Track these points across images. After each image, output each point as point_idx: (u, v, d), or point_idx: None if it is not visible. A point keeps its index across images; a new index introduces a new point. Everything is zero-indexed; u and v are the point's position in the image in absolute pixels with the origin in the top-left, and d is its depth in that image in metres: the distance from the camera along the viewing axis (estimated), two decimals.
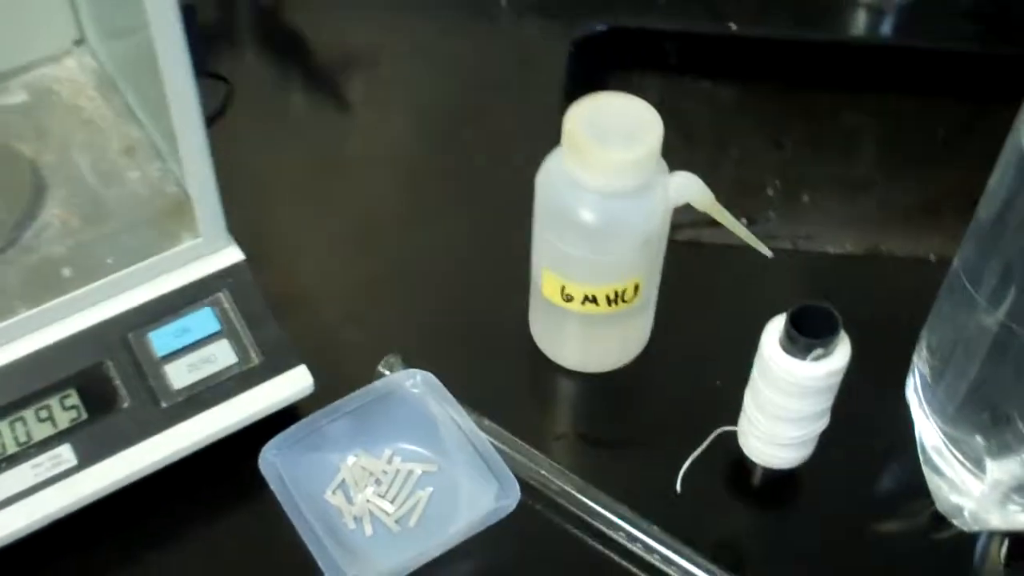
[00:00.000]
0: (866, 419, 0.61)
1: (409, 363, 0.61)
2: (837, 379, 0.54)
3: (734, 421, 0.60)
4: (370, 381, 0.61)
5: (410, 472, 0.59)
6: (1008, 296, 0.50)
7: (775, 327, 0.54)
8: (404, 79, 0.82)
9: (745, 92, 0.91)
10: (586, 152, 0.55)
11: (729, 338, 0.66)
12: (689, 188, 0.58)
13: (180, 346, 0.57)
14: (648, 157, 0.55)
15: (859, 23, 0.88)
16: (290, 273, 0.68)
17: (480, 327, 0.67)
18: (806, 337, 0.53)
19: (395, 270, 0.70)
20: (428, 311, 0.68)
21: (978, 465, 0.58)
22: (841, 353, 0.53)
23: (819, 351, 0.53)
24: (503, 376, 0.65)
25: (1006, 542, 0.58)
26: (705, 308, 0.68)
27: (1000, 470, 0.58)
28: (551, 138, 0.77)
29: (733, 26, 0.85)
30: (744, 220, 0.58)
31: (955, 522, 0.58)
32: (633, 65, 0.88)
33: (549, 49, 0.83)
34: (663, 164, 0.58)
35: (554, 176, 0.58)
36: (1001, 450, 0.57)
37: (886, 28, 0.88)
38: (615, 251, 0.58)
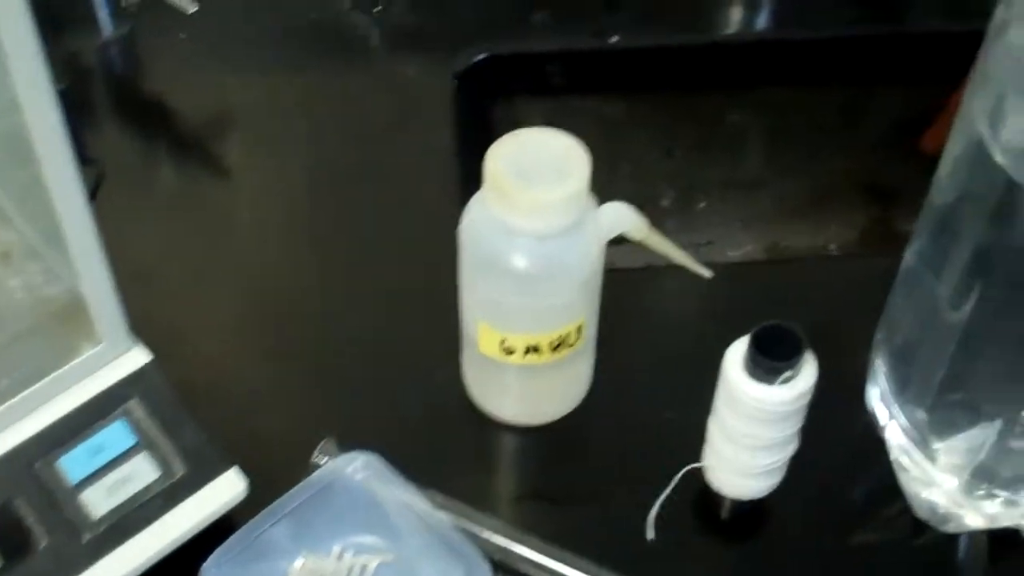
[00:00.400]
0: (829, 432, 0.58)
1: (344, 445, 0.56)
2: (807, 399, 0.51)
3: (693, 454, 0.57)
4: (305, 469, 0.56)
5: (364, 567, 0.54)
6: (976, 284, 0.48)
7: (737, 352, 0.51)
8: (282, 136, 0.77)
9: (632, 104, 0.88)
10: (514, 195, 0.51)
11: (668, 364, 0.63)
12: (621, 219, 0.54)
13: (95, 468, 0.51)
14: (579, 192, 0.52)
15: (735, 19, 0.86)
16: (197, 364, 0.62)
17: (410, 391, 0.62)
18: (772, 360, 0.50)
19: (308, 343, 0.65)
20: (351, 382, 0.63)
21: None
22: (809, 372, 0.51)
23: (788, 373, 0.50)
24: (444, 441, 0.60)
25: (987, 540, 0.56)
26: (636, 336, 0.65)
27: (950, 453, 0.56)
28: (450, 178, 0.74)
29: (615, 39, 0.83)
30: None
31: (934, 525, 0.56)
32: (518, 90, 0.84)
33: (430, 85, 0.79)
34: (592, 197, 0.54)
35: (480, 224, 0.53)
36: (945, 430, 0.56)
37: (763, 21, 0.86)
38: (555, 295, 0.54)
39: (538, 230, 0.52)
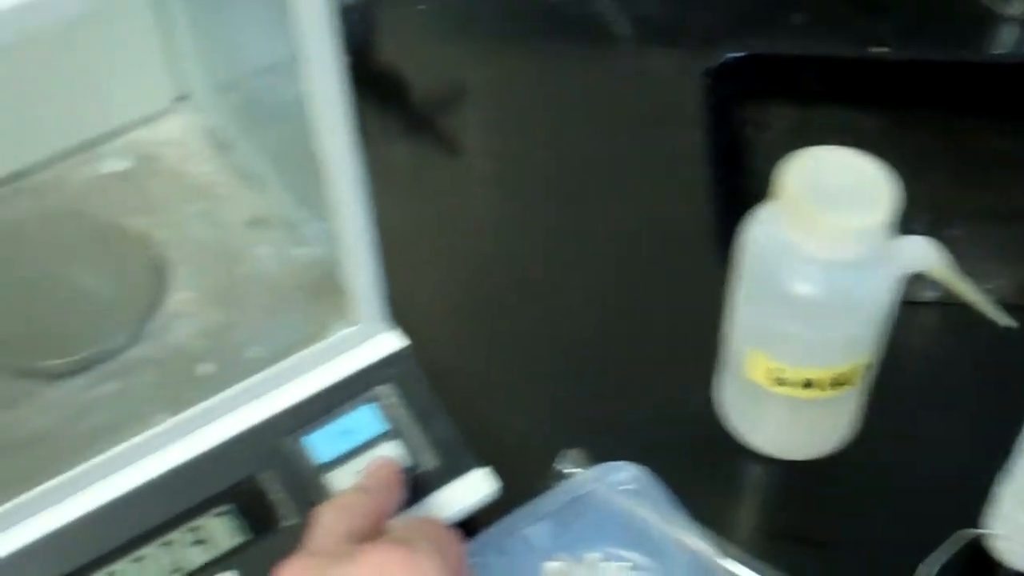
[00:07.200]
0: None
1: (593, 457, 0.57)
2: None
3: (970, 516, 0.55)
4: (542, 472, 0.56)
5: None
6: None
7: None
8: (519, 119, 0.77)
9: (888, 119, 0.87)
10: (811, 217, 0.50)
11: (951, 412, 0.62)
12: (924, 256, 0.53)
13: (342, 451, 0.53)
14: (885, 223, 0.51)
15: (1010, 38, 0.84)
16: (436, 353, 0.63)
17: (660, 407, 0.62)
18: None
19: (542, 339, 0.65)
20: (593, 389, 0.63)
21: None
22: None
23: None
24: (694, 465, 0.60)
25: None
26: (916, 377, 0.63)
27: None
28: (698, 180, 0.73)
29: (880, 49, 0.81)
30: None
31: None
32: (770, 93, 0.84)
33: (679, 81, 0.79)
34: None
35: (764, 241, 0.53)
36: None
37: None
38: (839, 328, 0.53)
39: (830, 257, 0.51)
